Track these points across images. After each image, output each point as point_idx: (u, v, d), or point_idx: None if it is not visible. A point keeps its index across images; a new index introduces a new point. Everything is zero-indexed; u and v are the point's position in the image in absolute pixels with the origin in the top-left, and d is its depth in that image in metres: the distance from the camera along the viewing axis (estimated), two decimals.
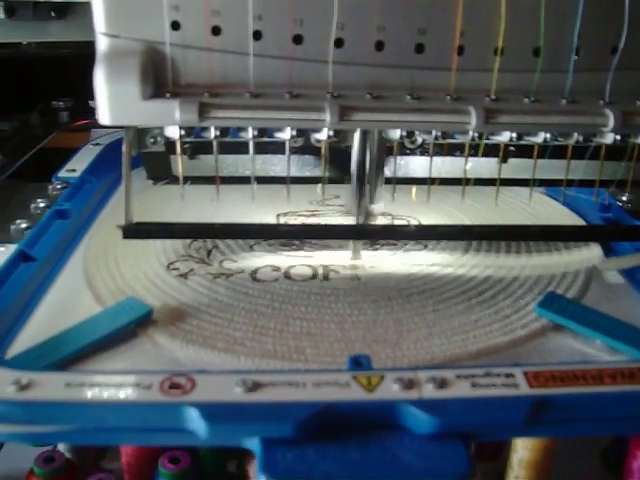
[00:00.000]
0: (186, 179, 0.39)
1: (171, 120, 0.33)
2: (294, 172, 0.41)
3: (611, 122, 0.33)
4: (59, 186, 0.49)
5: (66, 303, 0.38)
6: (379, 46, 0.33)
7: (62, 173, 0.52)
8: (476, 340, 0.34)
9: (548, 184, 0.43)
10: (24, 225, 0.43)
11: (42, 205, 0.46)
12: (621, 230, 0.42)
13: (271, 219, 0.47)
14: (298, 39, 0.33)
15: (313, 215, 0.48)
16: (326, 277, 0.40)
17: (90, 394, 0.28)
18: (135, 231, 0.37)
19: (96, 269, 0.41)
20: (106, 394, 0.28)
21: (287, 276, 0.40)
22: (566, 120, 0.34)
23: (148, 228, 0.38)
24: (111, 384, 0.28)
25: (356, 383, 0.28)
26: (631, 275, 0.41)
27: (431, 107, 0.34)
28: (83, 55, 0.34)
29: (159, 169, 0.41)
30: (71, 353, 0.32)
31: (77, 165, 0.53)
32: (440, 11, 0.33)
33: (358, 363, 0.30)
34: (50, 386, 0.28)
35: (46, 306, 0.38)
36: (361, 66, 0.34)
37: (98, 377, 0.29)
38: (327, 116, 0.33)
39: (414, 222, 0.47)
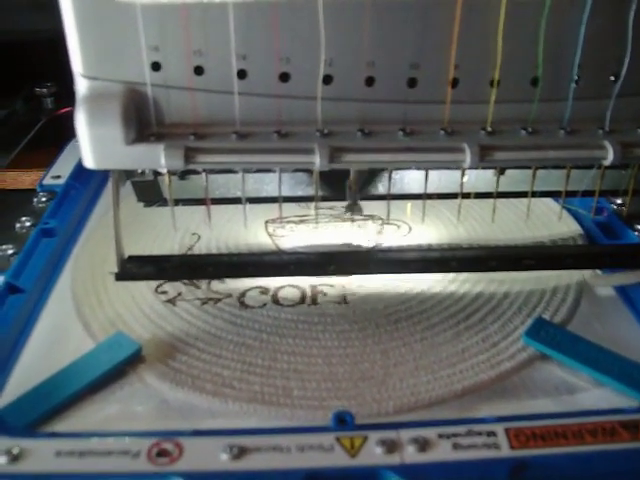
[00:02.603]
0: (177, 201, 0.39)
1: (156, 164, 0.32)
2: (287, 191, 0.40)
3: (610, 155, 0.32)
4: (44, 198, 0.48)
5: (56, 336, 0.38)
6: (369, 82, 0.32)
7: (47, 180, 0.51)
8: (462, 376, 0.34)
9: (550, 195, 0.42)
10: (10, 251, 0.42)
11: (28, 224, 0.45)
12: (623, 252, 0.41)
13: (259, 225, 0.47)
14: (285, 77, 0.32)
15: (302, 221, 0.47)
16: (314, 300, 0.40)
17: (79, 464, 0.28)
18: (128, 275, 0.37)
19: (84, 294, 0.41)
20: (95, 464, 0.28)
21: (275, 300, 0.40)
22: (564, 155, 0.33)
23: (141, 271, 0.37)
24: (100, 452, 0.29)
25: (339, 446, 0.29)
26: (623, 291, 0.40)
27: (423, 146, 0.32)
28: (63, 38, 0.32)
29: (149, 193, 0.40)
30: (61, 402, 0.33)
31: (61, 169, 0.52)
32: (433, 45, 0.31)
33: (342, 421, 0.30)
34: (40, 456, 0.29)
35: (35, 341, 0.38)
36: (351, 102, 0.33)
37: (87, 443, 0.29)
38: (317, 159, 0.32)
39: (405, 227, 0.47)
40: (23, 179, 0.56)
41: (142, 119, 0.32)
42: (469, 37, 0.31)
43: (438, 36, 0.31)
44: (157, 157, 0.32)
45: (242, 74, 0.32)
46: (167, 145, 0.32)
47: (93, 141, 0.32)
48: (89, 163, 0.32)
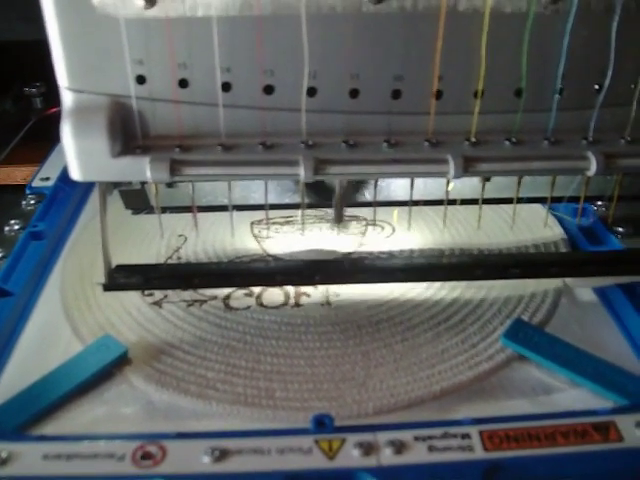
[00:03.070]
0: (165, 209, 0.39)
1: (142, 177, 0.33)
2: (274, 199, 0.41)
3: (593, 166, 0.33)
4: (32, 201, 0.49)
5: (44, 339, 0.39)
6: (354, 94, 0.32)
7: (36, 182, 0.52)
8: (441, 377, 0.35)
9: (536, 201, 0.42)
10: None
11: (16, 227, 0.46)
12: (606, 260, 0.41)
13: (245, 227, 0.48)
14: (269, 89, 0.32)
15: (287, 222, 0.48)
16: (298, 303, 0.41)
17: (66, 467, 0.29)
18: (115, 285, 0.38)
19: (73, 297, 0.41)
20: (81, 466, 0.29)
21: (259, 302, 0.41)
22: (547, 166, 0.33)
23: (128, 282, 0.38)
24: (86, 455, 0.30)
25: (318, 448, 0.30)
26: (602, 292, 0.41)
27: (407, 157, 0.33)
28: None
29: (137, 201, 0.41)
30: (49, 404, 0.34)
31: (50, 171, 0.52)
32: (417, 57, 0.32)
33: (321, 423, 0.31)
34: (28, 459, 0.30)
35: (24, 344, 0.38)
36: (336, 114, 0.33)
37: (73, 446, 0.30)
38: (301, 171, 0.32)
39: (389, 228, 0.47)
40: (15, 174, 0.57)
41: (127, 131, 0.33)
42: (453, 49, 0.32)
43: (422, 48, 0.32)
44: (143, 170, 0.32)
45: (226, 87, 0.32)
46: (153, 158, 0.32)
47: (79, 153, 0.32)
48: (75, 175, 0.33)
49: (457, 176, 0.33)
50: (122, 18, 0.30)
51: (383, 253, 0.45)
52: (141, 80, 0.32)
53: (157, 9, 0.30)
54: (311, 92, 0.32)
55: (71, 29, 0.31)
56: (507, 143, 0.34)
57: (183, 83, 0.32)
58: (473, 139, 0.34)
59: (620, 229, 0.45)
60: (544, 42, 0.32)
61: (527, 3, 0.31)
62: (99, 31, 0.31)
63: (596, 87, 0.33)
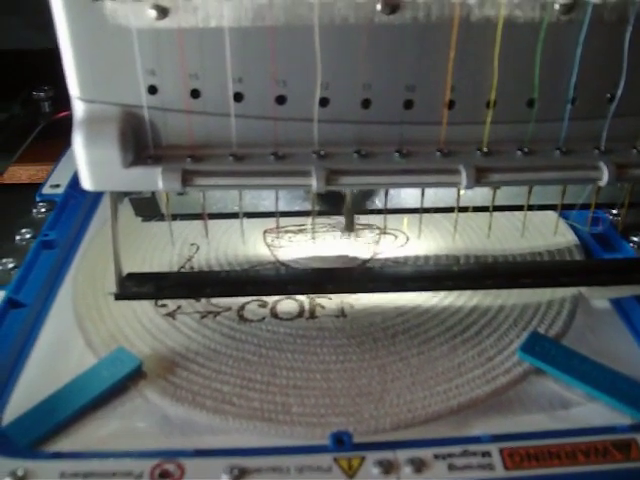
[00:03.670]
0: (175, 216, 0.39)
1: (154, 187, 0.33)
2: (284, 206, 0.41)
3: (605, 176, 0.33)
4: (43, 209, 0.49)
5: (57, 351, 0.38)
6: (366, 104, 0.32)
7: (46, 189, 0.51)
8: (458, 392, 0.35)
9: (547, 209, 0.42)
10: (10, 265, 0.43)
11: (28, 236, 0.46)
12: (619, 268, 0.41)
13: (258, 235, 0.48)
14: (281, 99, 0.32)
15: (300, 231, 0.47)
16: (312, 314, 0.40)
17: None
18: (127, 294, 0.38)
19: (85, 307, 0.41)
20: None
21: (274, 314, 0.41)
22: (559, 176, 0.33)
23: (139, 291, 0.38)
24: (103, 473, 0.29)
25: (337, 467, 0.29)
26: (618, 303, 0.41)
27: (419, 168, 0.33)
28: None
29: (147, 209, 0.41)
30: (64, 419, 0.33)
31: (60, 177, 0.52)
32: (429, 67, 0.32)
33: (340, 441, 0.31)
34: (45, 477, 0.29)
35: (37, 356, 0.38)
36: (347, 124, 0.33)
37: (91, 464, 0.30)
38: (313, 181, 0.32)
39: (402, 237, 0.47)
40: (20, 174, 0.57)
41: (139, 141, 0.33)
42: (465, 59, 0.31)
43: (434, 58, 0.31)
44: (155, 180, 0.32)
45: (238, 97, 0.32)
46: (164, 168, 0.32)
47: (91, 164, 0.32)
48: (87, 185, 0.33)
49: (469, 187, 0.33)
50: (134, 29, 0.30)
51: (397, 259, 0.45)
52: (153, 90, 0.32)
53: (169, 20, 0.30)
54: (323, 102, 0.32)
55: (83, 39, 0.31)
56: (519, 153, 0.34)
57: (195, 93, 0.32)
58: (485, 149, 0.34)
59: (636, 239, 0.45)
60: (557, 52, 0.32)
61: (540, 13, 0.30)
62: (111, 41, 0.31)
63: (608, 97, 0.33)
